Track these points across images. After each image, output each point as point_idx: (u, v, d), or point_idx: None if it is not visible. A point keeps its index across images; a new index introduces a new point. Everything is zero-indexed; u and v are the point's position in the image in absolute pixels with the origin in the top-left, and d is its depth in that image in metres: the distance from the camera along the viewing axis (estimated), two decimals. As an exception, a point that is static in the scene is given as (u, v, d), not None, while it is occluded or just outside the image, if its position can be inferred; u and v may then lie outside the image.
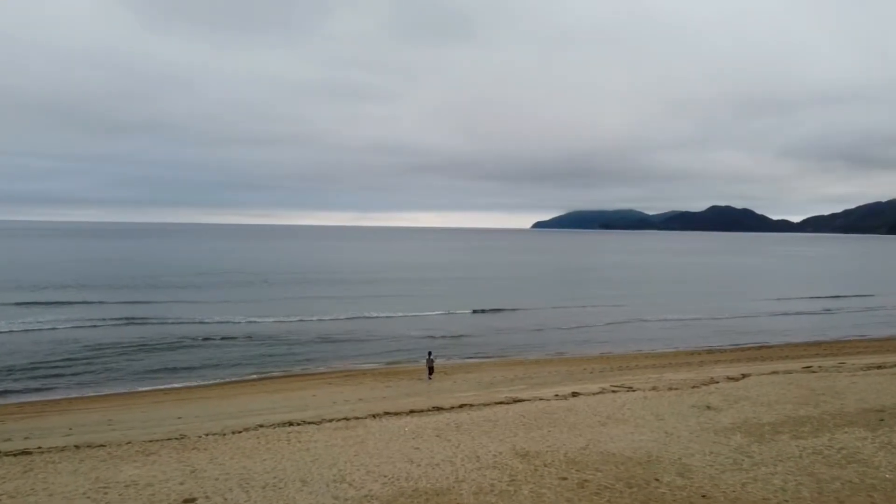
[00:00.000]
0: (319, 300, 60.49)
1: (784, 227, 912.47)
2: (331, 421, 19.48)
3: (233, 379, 33.61)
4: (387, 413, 20.62)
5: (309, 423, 19.41)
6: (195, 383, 32.15)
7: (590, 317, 55.71)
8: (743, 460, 15.01)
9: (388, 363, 36.73)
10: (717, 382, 25.15)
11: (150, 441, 17.57)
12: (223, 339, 43.06)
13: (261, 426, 19.14)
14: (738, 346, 44.87)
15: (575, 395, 22.98)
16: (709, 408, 20.42)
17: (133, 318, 49.14)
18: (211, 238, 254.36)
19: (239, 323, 46.85)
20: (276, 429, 18.64)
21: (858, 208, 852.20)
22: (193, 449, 16.38)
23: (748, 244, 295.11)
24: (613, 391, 23.62)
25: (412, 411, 20.78)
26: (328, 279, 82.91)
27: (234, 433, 18.26)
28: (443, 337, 46.27)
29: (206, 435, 18.19)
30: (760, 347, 44.38)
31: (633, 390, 23.75)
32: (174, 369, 35.28)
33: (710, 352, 42.75)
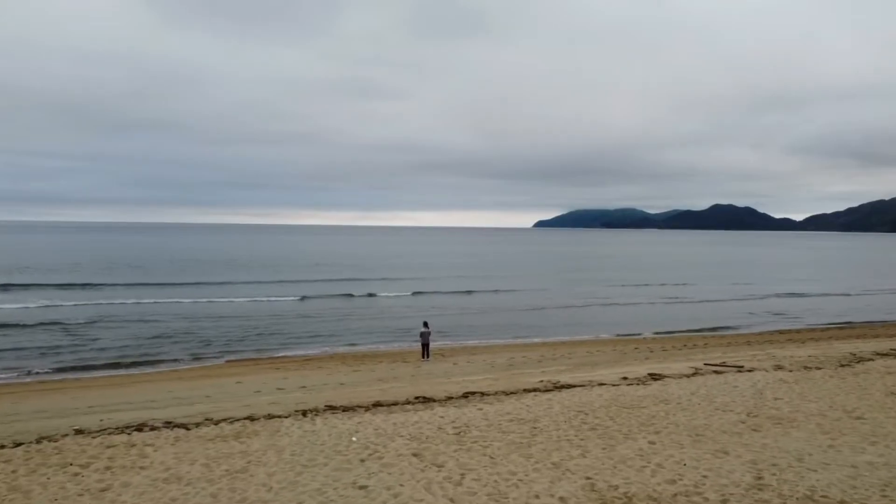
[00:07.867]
0: (310, 295, 50.60)
1: (786, 225, 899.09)
2: (217, 423, 10.15)
3: (157, 369, 24.01)
4: (330, 407, 11.28)
5: (177, 425, 10.14)
6: (91, 375, 22.62)
7: (628, 309, 45.75)
8: None
9: (357, 345, 26.54)
10: (871, 360, 15.94)
11: None
12: (160, 323, 33.19)
13: (79, 431, 9.72)
14: (814, 327, 35.61)
15: (655, 377, 13.74)
16: (924, 397, 11.11)
17: (74, 307, 39.24)
18: (201, 236, 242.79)
19: (203, 314, 36.32)
20: (98, 438, 9.36)
21: (861, 206, 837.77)
22: None
23: (754, 241, 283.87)
24: (717, 372, 14.36)
25: (377, 404, 11.40)
26: (320, 274, 72.86)
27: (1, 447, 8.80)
28: (443, 315, 36.20)
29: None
30: (843, 327, 35.23)
31: (748, 370, 14.41)
32: (82, 356, 25.72)
33: (781, 332, 33.55)
